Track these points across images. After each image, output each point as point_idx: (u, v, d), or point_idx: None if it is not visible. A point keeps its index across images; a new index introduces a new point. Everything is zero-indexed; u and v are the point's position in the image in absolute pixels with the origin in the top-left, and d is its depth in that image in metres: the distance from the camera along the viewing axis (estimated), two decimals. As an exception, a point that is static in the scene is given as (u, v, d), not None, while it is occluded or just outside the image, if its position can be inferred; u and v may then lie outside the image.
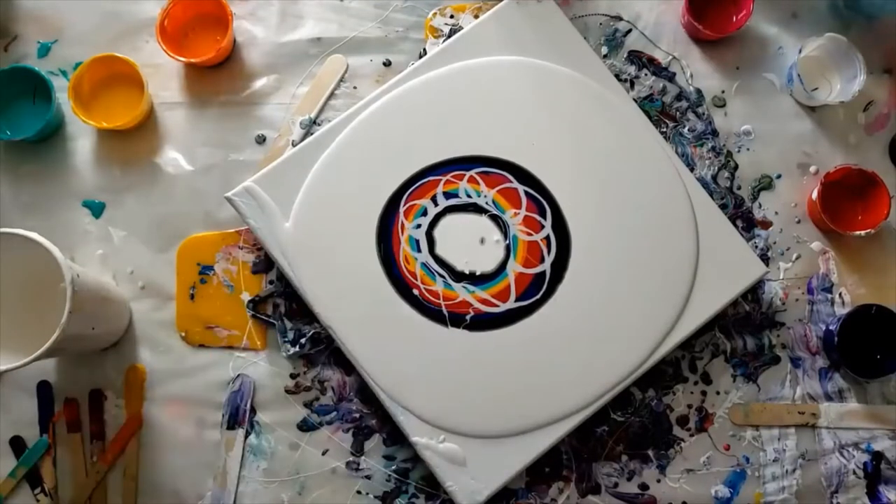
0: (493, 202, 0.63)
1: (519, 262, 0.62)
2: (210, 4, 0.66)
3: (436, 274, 0.61)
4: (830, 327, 0.64)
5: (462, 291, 0.61)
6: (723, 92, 0.69)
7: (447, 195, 0.62)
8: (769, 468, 0.63)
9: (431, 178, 0.63)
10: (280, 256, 0.61)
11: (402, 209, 0.62)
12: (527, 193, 0.63)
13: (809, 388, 0.65)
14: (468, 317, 0.61)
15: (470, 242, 0.62)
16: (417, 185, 0.63)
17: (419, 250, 0.62)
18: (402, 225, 0.62)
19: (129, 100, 0.65)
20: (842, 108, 0.69)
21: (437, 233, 0.62)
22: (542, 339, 0.61)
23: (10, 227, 0.54)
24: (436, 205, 0.62)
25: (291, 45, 0.69)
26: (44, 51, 0.68)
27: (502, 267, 0.62)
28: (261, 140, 0.67)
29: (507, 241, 0.62)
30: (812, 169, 0.68)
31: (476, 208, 0.62)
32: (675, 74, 0.69)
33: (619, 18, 0.71)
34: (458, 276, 0.61)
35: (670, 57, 0.70)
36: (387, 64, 0.69)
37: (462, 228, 0.62)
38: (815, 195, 0.65)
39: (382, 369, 0.60)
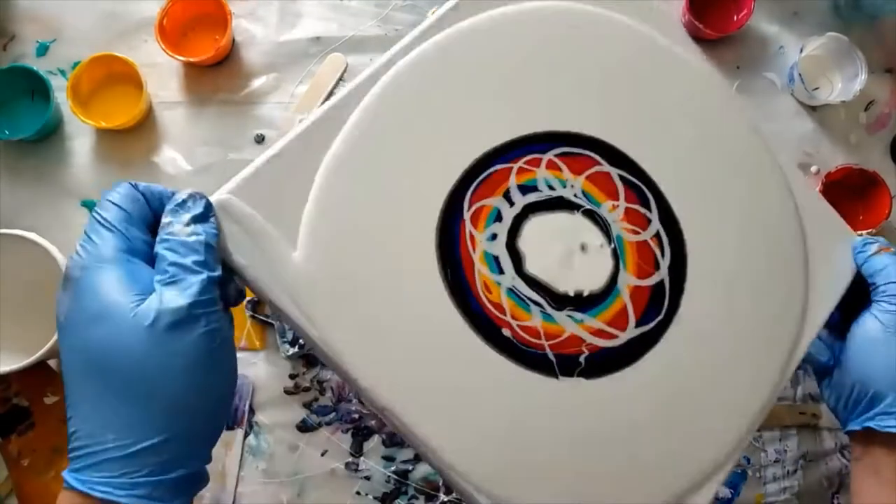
0: (584, 193, 0.46)
1: (631, 272, 0.46)
2: (209, 4, 0.66)
3: (529, 302, 0.44)
4: (831, 327, 0.64)
5: (568, 323, 0.44)
6: (723, 91, 0.69)
7: (523, 189, 0.45)
8: (770, 469, 0.63)
9: (498, 166, 0.45)
10: (289, 305, 0.39)
11: (466, 214, 0.43)
12: (623, 179, 0.47)
13: (811, 388, 0.64)
14: (582, 357, 0.44)
15: (566, 251, 0.45)
16: (482, 177, 0.44)
17: (501, 271, 0.44)
18: (472, 237, 0.43)
19: (128, 99, 0.65)
20: (843, 108, 0.69)
21: (521, 243, 0.44)
22: (676, 373, 0.45)
23: (8, 227, 0.54)
24: (511, 204, 0.45)
25: (291, 44, 0.69)
26: (42, 50, 0.68)
27: (613, 281, 0.45)
28: (260, 139, 0.67)
29: (613, 245, 0.46)
30: (813, 169, 0.68)
31: (564, 204, 0.46)
32: (675, 74, 0.69)
33: (620, 17, 0.70)
34: (560, 302, 0.44)
35: (671, 56, 0.69)
36: (386, 63, 0.69)
37: (552, 233, 0.45)
38: (816, 195, 0.65)
39: (472, 458, 0.41)
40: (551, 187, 0.46)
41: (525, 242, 0.45)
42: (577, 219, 0.46)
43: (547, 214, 0.45)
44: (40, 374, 0.59)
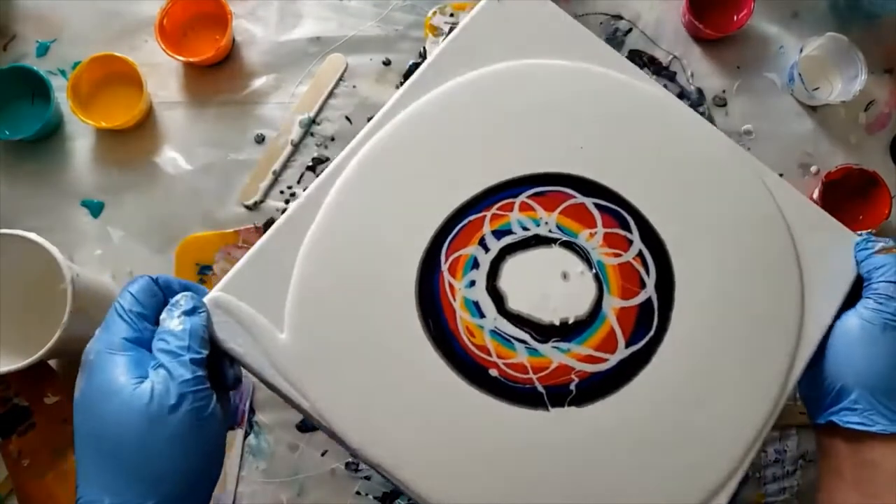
0: (560, 227, 0.48)
1: (615, 295, 0.47)
2: (209, 4, 0.66)
3: (513, 340, 0.45)
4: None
5: (554, 354, 0.45)
6: (724, 91, 0.69)
7: (498, 233, 0.47)
8: (770, 469, 0.63)
9: (472, 216, 0.47)
10: (282, 383, 0.43)
11: (444, 266, 0.46)
12: (598, 206, 0.48)
13: (810, 388, 0.65)
14: (572, 385, 0.45)
15: (547, 283, 0.47)
16: (456, 230, 0.47)
17: (482, 315, 0.46)
18: (451, 287, 0.46)
19: (128, 99, 0.65)
20: (843, 108, 0.69)
21: (502, 284, 0.46)
22: (672, 390, 0.45)
23: (8, 227, 0.54)
24: (486, 250, 0.47)
25: (291, 44, 0.69)
26: (42, 50, 0.68)
27: (598, 305, 0.46)
28: (260, 139, 0.67)
29: (594, 270, 0.47)
30: (813, 169, 0.68)
31: (540, 240, 0.47)
32: (675, 74, 0.69)
33: (620, 17, 0.70)
34: (544, 335, 0.46)
35: (671, 56, 0.70)
36: (386, 63, 0.69)
37: (531, 269, 0.47)
38: (816, 195, 0.65)
39: None
40: (525, 228, 0.47)
41: (505, 283, 0.46)
42: (555, 252, 0.47)
43: (524, 253, 0.47)
44: (40, 374, 0.59)
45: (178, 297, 0.43)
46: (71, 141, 0.67)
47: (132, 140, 0.67)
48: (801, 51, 0.66)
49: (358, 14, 0.70)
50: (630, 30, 0.70)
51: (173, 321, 0.41)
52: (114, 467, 0.38)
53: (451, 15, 0.70)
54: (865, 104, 0.69)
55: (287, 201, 0.66)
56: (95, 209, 0.65)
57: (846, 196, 0.66)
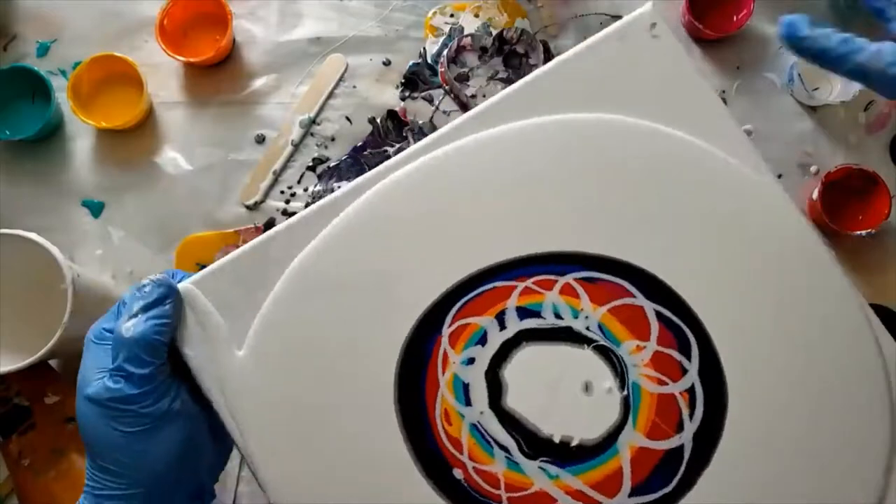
0: (602, 327, 0.38)
1: (641, 430, 0.37)
2: (209, 4, 0.66)
3: (494, 444, 0.37)
4: (831, 327, 0.63)
5: (538, 476, 0.37)
6: (723, 91, 0.69)
7: (523, 312, 0.38)
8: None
9: (498, 283, 0.38)
10: (219, 398, 0.38)
11: (445, 331, 0.38)
12: (659, 316, 0.39)
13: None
14: None
15: (563, 389, 0.38)
16: (473, 294, 0.38)
17: (469, 403, 0.38)
18: (445, 357, 0.38)
19: (129, 99, 0.65)
20: (842, 108, 0.69)
21: (507, 373, 0.38)
22: None
23: (9, 227, 0.54)
24: (503, 327, 0.38)
25: (291, 45, 0.69)
26: (43, 50, 0.68)
27: (613, 435, 0.37)
28: (260, 140, 0.67)
29: (626, 392, 0.38)
30: (812, 169, 0.68)
31: (572, 336, 0.38)
32: (675, 74, 0.69)
33: (620, 17, 0.70)
34: (535, 449, 0.37)
35: (671, 56, 0.70)
36: (386, 63, 0.69)
37: (549, 368, 0.38)
38: (815, 195, 0.65)
39: None
40: (559, 315, 0.38)
41: (511, 373, 0.38)
42: (586, 355, 0.38)
43: (547, 345, 0.38)
44: (40, 374, 0.59)
45: (144, 281, 0.39)
46: (71, 141, 0.67)
47: (132, 140, 0.67)
48: (801, 51, 0.66)
49: (358, 14, 0.70)
50: (630, 30, 0.70)
51: (124, 322, 0.38)
52: (90, 453, 0.39)
53: (452, 15, 0.70)
54: (865, 104, 0.69)
55: (287, 201, 0.66)
56: (96, 209, 0.66)
57: (846, 196, 0.66)
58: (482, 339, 0.38)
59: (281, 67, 0.68)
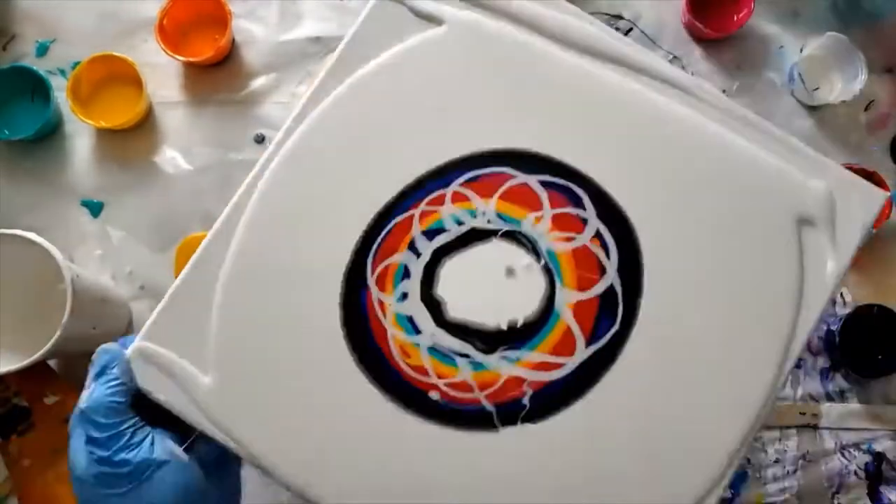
0: (500, 215, 0.41)
1: (570, 286, 0.40)
2: (209, 3, 0.66)
3: (454, 355, 0.40)
4: (832, 327, 0.64)
5: (502, 366, 0.39)
6: (724, 91, 0.69)
7: (429, 233, 0.41)
8: (770, 469, 0.63)
9: (397, 218, 0.41)
10: (216, 432, 0.40)
11: (371, 281, 0.40)
12: (544, 184, 0.41)
13: (810, 388, 0.64)
14: (525, 399, 0.39)
15: (491, 283, 0.40)
16: (380, 238, 0.41)
17: (418, 331, 0.40)
18: (381, 303, 0.40)
19: (128, 99, 0.65)
20: (843, 108, 0.69)
21: (439, 291, 0.40)
22: (644, 390, 0.39)
23: (8, 227, 0.54)
24: (418, 255, 0.41)
25: (290, 44, 0.69)
26: (42, 50, 0.68)
27: (549, 302, 0.40)
28: (260, 139, 0.67)
29: (543, 261, 0.41)
30: (813, 168, 0.68)
31: (478, 235, 0.41)
32: (675, 74, 0.69)
33: (620, 17, 0.70)
34: (491, 344, 0.40)
35: (671, 56, 0.69)
36: (386, 63, 0.69)
37: (472, 271, 0.41)
38: (816, 195, 0.65)
39: None
40: (460, 222, 0.41)
41: (443, 289, 0.40)
42: (497, 245, 0.41)
43: (461, 253, 0.41)
44: (40, 374, 0.59)
45: (95, 353, 0.42)
46: (71, 141, 0.67)
47: (132, 140, 0.67)
48: (802, 50, 0.66)
49: (358, 14, 0.69)
50: (630, 30, 0.70)
51: (84, 391, 0.41)
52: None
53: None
54: (866, 104, 0.69)
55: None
56: (95, 209, 0.65)
57: (846, 196, 0.66)
58: (406, 273, 0.41)
59: (280, 67, 0.68)
